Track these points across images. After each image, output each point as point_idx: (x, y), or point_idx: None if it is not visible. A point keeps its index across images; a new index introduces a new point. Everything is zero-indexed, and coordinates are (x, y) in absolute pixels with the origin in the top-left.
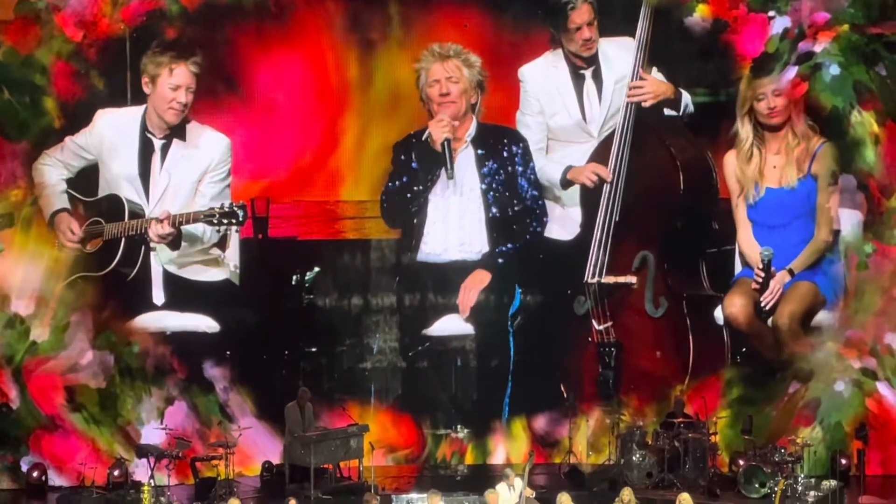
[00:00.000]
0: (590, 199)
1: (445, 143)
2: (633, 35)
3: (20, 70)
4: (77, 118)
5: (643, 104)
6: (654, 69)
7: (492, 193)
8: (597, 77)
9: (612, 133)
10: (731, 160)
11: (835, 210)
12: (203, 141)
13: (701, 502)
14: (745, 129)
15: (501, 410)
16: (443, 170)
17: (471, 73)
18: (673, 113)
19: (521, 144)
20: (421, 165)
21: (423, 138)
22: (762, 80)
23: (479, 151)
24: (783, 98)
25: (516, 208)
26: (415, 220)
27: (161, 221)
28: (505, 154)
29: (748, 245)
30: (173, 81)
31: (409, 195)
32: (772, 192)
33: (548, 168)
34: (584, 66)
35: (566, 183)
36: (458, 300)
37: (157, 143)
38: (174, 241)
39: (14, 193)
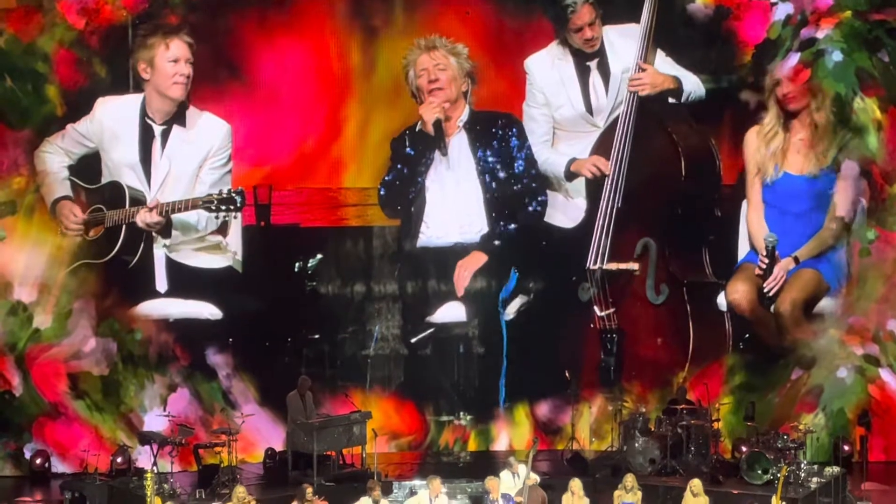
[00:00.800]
0: (594, 188)
1: (437, 123)
2: (637, 21)
3: (22, 58)
4: (79, 106)
5: (640, 93)
6: (659, 51)
7: (487, 175)
8: (602, 67)
9: (616, 121)
10: (752, 137)
11: (838, 197)
12: (203, 126)
13: (704, 489)
14: (770, 112)
15: (499, 394)
16: (437, 151)
17: (458, 62)
18: (675, 101)
19: (514, 127)
20: (416, 150)
21: (416, 129)
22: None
23: (473, 136)
24: (797, 84)
25: (514, 188)
26: (412, 208)
27: (151, 210)
28: (499, 136)
29: (757, 227)
30: (171, 54)
31: (406, 182)
32: (790, 178)
33: (553, 160)
34: (589, 57)
35: (570, 175)
36: (454, 279)
37: (157, 130)
38: (164, 230)
39: (16, 181)
